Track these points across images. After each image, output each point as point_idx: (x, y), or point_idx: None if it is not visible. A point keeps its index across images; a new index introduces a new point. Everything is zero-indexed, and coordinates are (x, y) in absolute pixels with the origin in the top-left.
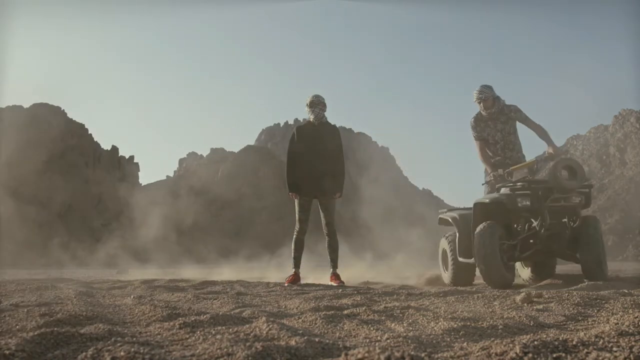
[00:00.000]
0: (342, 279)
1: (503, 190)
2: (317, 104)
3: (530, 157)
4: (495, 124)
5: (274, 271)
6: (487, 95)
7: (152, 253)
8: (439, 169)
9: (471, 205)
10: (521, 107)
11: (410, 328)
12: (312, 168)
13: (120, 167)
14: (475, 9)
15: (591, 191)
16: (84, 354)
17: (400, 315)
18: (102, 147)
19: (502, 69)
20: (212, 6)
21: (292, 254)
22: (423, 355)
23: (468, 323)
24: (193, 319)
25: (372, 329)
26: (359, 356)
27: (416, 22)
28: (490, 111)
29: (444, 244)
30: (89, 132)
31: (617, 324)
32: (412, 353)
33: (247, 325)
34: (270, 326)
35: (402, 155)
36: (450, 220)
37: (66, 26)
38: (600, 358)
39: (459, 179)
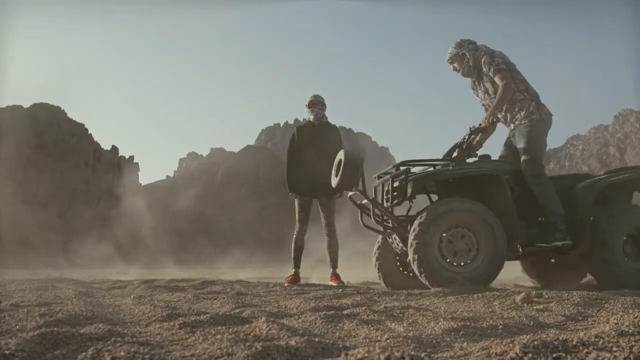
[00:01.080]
0: (342, 279)
1: None
2: (316, 103)
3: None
4: (480, 85)
5: (274, 271)
6: (450, 57)
7: (152, 253)
8: None
9: None
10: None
11: (410, 328)
12: (312, 168)
13: (120, 167)
14: (476, 10)
15: (414, 183)
16: (84, 354)
17: (400, 315)
18: (102, 147)
19: None
20: (213, 6)
21: (292, 254)
22: (423, 355)
23: (468, 323)
24: (193, 319)
25: (372, 329)
26: (359, 356)
27: (416, 22)
28: (464, 71)
29: None
30: (89, 132)
31: (617, 324)
32: (412, 353)
33: (247, 325)
34: (270, 326)
35: (402, 155)
36: None
37: (66, 26)
38: (600, 358)
39: None
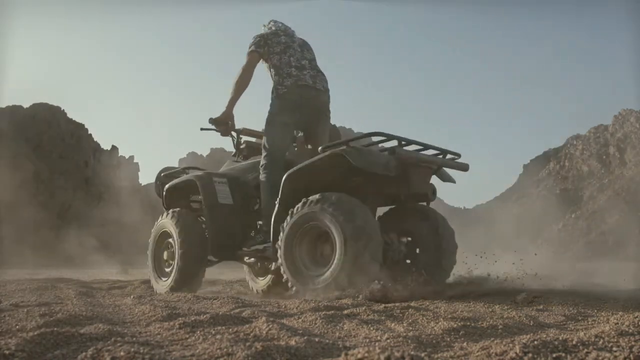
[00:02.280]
0: None
1: None
2: None
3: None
4: None
5: None
6: None
7: None
8: None
9: None
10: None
11: (410, 328)
12: None
13: (120, 167)
14: (476, 10)
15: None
16: (84, 354)
17: (400, 315)
18: (102, 147)
19: (503, 69)
20: (213, 6)
21: None
22: (423, 355)
23: (468, 323)
24: (193, 318)
25: (372, 329)
26: (359, 356)
27: (417, 22)
28: None
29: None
30: (89, 132)
31: (617, 324)
32: (412, 353)
33: (247, 325)
34: (270, 326)
35: None
36: None
37: (66, 26)
38: (600, 358)
39: (460, 178)
